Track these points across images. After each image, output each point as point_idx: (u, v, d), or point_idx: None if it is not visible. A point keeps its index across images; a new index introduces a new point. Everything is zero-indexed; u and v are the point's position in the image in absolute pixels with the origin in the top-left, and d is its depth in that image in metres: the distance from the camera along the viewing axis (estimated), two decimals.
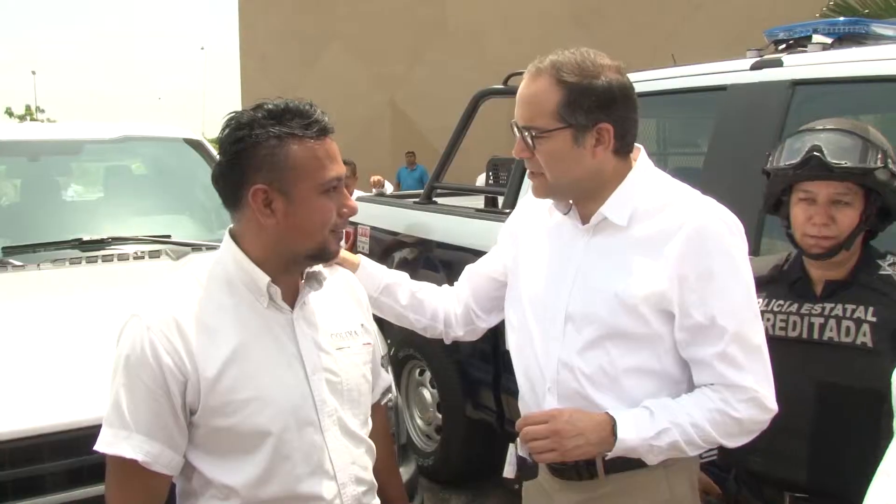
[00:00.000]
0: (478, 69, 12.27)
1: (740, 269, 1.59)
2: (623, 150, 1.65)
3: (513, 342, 1.81)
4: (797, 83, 2.59)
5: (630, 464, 1.63)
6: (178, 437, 1.45)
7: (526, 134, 1.61)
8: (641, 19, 12.54)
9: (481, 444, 3.92)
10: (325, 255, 1.53)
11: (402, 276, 1.99)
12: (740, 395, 1.57)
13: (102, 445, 1.43)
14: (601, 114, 1.58)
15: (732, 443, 1.60)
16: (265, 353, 1.49)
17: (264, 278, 1.50)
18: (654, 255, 1.59)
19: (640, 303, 1.58)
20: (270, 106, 1.46)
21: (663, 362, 1.62)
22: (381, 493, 1.71)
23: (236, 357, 1.45)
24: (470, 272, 1.99)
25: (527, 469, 1.52)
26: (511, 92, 4.46)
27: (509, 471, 1.56)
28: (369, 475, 1.65)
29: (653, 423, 1.53)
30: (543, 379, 1.68)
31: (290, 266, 1.53)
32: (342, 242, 1.58)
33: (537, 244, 1.79)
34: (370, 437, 1.67)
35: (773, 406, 1.60)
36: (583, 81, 1.57)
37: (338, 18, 18.44)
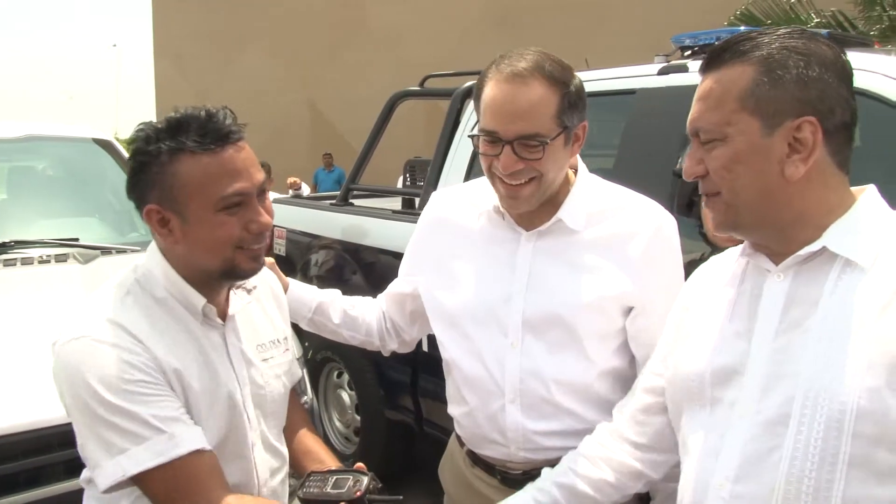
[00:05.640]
0: (396, 70, 12.28)
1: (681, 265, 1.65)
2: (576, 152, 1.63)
3: (451, 357, 1.72)
4: None
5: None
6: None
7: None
8: (556, 24, 12.75)
9: (400, 445, 3.93)
10: (237, 274, 1.45)
11: (334, 294, 1.93)
12: None
13: (154, 459, 1.30)
14: (583, 114, 1.56)
15: None
16: (201, 371, 1.43)
17: (200, 300, 1.44)
18: (614, 256, 1.58)
19: (606, 302, 1.57)
20: (170, 116, 1.38)
21: (623, 357, 1.63)
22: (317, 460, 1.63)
23: (176, 373, 1.39)
24: (388, 291, 1.93)
25: None
26: (428, 94, 4.52)
27: None
28: (285, 487, 1.64)
29: None
30: (502, 391, 1.61)
31: (211, 283, 1.45)
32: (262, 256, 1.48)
33: (463, 252, 1.71)
34: (292, 433, 1.67)
35: None
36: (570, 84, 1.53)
37: (255, 17, 18.17)
